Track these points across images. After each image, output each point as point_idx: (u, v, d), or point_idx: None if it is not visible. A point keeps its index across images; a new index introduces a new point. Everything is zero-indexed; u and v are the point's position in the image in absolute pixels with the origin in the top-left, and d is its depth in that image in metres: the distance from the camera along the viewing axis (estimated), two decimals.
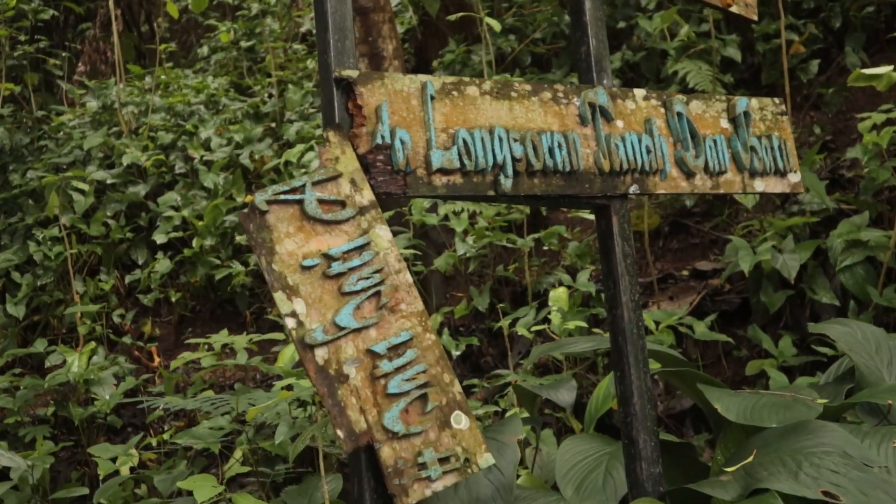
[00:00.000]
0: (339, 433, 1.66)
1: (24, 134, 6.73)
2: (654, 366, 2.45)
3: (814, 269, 3.46)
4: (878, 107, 3.70)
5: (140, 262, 5.61)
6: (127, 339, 5.00)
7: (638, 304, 2.08)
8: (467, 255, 4.05)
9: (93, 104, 6.84)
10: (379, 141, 1.76)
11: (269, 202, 1.74)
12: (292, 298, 1.68)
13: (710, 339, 3.41)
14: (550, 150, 1.95)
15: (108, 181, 5.91)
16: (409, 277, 1.77)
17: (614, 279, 2.07)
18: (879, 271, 3.32)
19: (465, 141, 1.85)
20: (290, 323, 1.67)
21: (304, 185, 1.74)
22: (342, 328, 1.69)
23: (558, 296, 3.59)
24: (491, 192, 1.88)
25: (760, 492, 1.80)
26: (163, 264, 5.32)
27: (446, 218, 4.31)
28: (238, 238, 5.34)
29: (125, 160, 5.95)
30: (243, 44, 7.80)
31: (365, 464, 1.69)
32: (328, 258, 1.70)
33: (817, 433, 1.92)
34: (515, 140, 1.91)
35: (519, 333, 3.53)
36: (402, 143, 1.78)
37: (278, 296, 1.68)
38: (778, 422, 2.05)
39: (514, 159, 1.89)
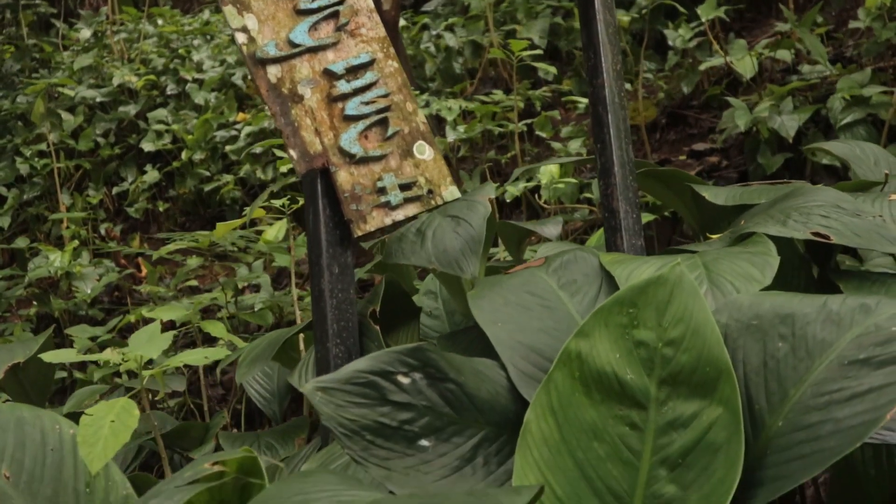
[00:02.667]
0: (293, 153, 1.55)
1: (16, 61, 6.63)
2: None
3: (814, 133, 3.34)
4: None
5: (129, 180, 5.51)
6: (112, 245, 4.89)
7: (620, 74, 1.97)
8: (458, 139, 3.93)
9: (86, 32, 6.75)
10: None
11: None
12: (243, 13, 1.57)
13: None
14: None
15: (98, 100, 5.81)
16: (370, 3, 1.65)
17: (594, 48, 1.95)
18: (881, 131, 3.20)
19: None
20: (240, 38, 1.56)
21: None
22: (297, 45, 1.58)
23: (549, 169, 3.47)
24: None
25: (747, 236, 1.68)
26: (151, 175, 5.21)
27: (438, 118, 4.20)
28: (228, 150, 5.23)
29: (115, 81, 5.85)
30: None
31: (321, 190, 1.58)
32: None
33: (808, 194, 1.80)
34: None
35: (508, 201, 3.41)
36: None
37: (228, 9, 1.57)
38: (768, 198, 1.93)
39: None
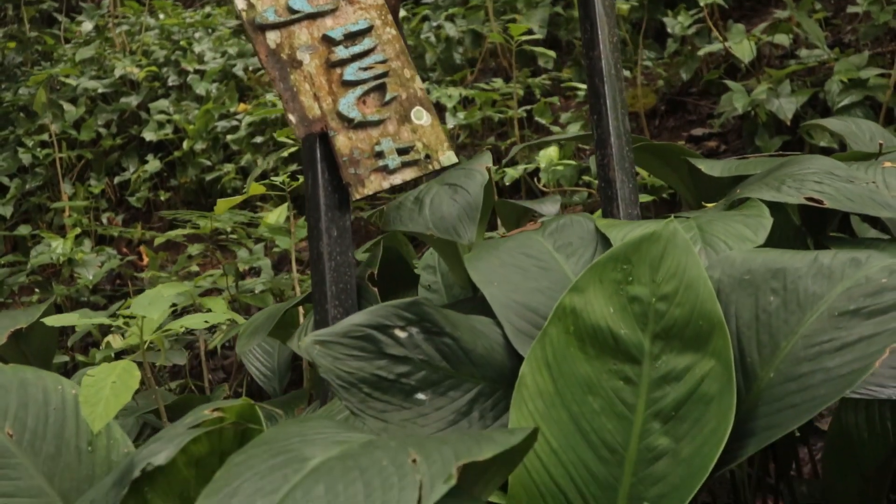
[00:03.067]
0: (292, 118, 1.56)
1: (17, 53, 6.66)
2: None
3: (812, 116, 3.35)
4: None
5: (131, 170, 5.54)
6: (114, 231, 4.91)
7: (616, 45, 1.98)
8: (458, 126, 3.95)
9: (87, 25, 6.77)
10: None
11: None
12: None
13: None
14: None
15: (100, 91, 5.83)
16: None
17: (591, 20, 1.97)
18: (878, 113, 3.21)
19: None
20: (239, 4, 1.58)
21: None
22: (295, 11, 1.60)
23: (548, 153, 3.49)
24: None
25: (741, 202, 1.70)
26: (153, 164, 5.23)
27: (438, 105, 4.21)
28: (230, 139, 5.25)
29: (117, 72, 5.87)
30: None
31: (320, 154, 1.60)
32: None
33: (802, 163, 1.82)
34: None
35: (507, 184, 3.43)
36: None
37: None
38: (763, 169, 1.94)
39: None
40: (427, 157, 1.61)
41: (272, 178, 2.59)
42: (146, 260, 5.21)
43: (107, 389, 1.52)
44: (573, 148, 3.56)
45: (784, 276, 1.32)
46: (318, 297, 1.55)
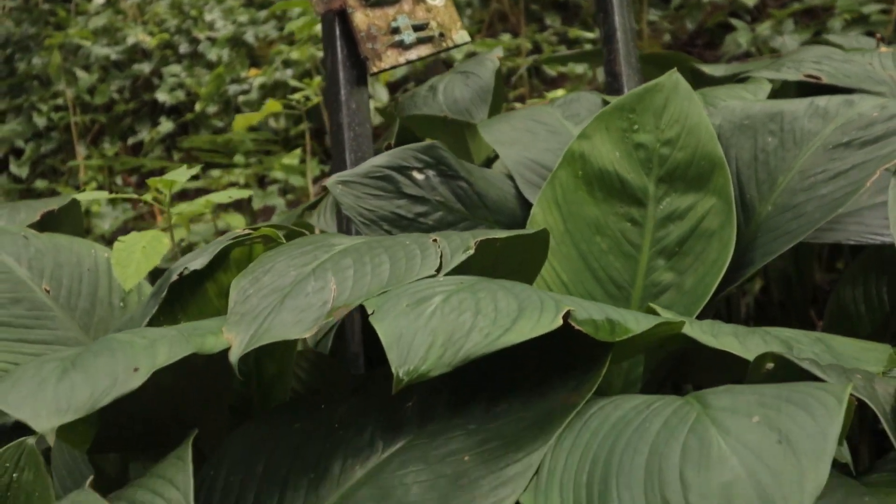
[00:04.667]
0: None
1: (30, 24, 6.75)
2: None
3: None
4: None
5: (144, 134, 5.63)
6: (129, 190, 5.01)
7: None
8: None
9: None
10: None
11: None
12: None
13: None
14: None
15: (113, 58, 5.92)
16: None
17: None
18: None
19: None
20: None
21: None
22: None
23: (556, 95, 3.55)
24: None
25: (743, 79, 1.77)
26: (165, 126, 5.32)
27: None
28: (241, 101, 5.33)
29: (129, 40, 5.97)
30: None
31: (339, 31, 1.67)
32: None
33: (800, 51, 1.89)
34: None
35: None
36: None
37: None
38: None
39: None
40: (441, 34, 1.69)
41: (289, 97, 2.67)
42: (159, 219, 5.30)
43: (138, 252, 1.60)
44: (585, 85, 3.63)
45: (781, 118, 1.39)
46: (336, 166, 1.63)
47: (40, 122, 5.40)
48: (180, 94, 5.58)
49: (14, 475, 1.07)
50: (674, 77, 1.42)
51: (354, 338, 1.53)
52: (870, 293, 1.78)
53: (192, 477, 0.75)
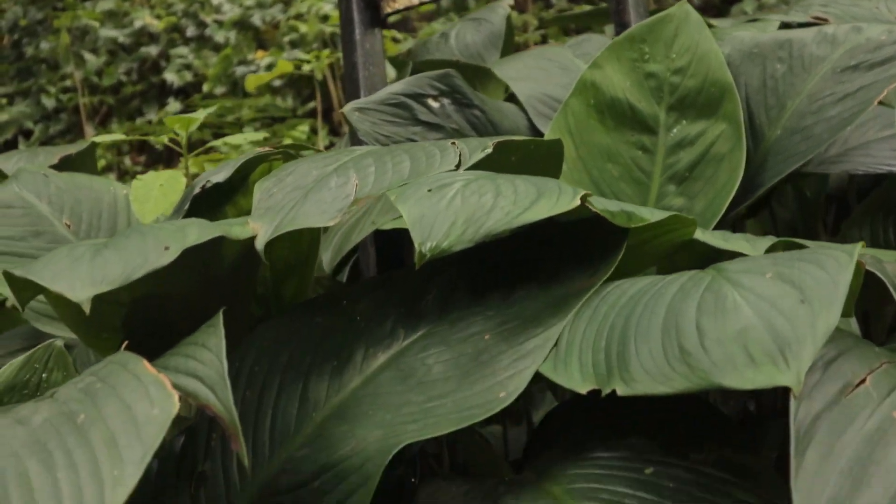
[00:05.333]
0: None
1: (38, 10, 6.79)
2: None
3: None
4: None
5: (152, 115, 5.66)
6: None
7: None
8: None
9: None
10: None
11: None
12: None
13: None
14: None
15: (120, 41, 5.95)
16: None
17: None
18: None
19: None
20: None
21: None
22: None
23: None
24: None
25: (752, 20, 1.79)
26: (173, 106, 5.36)
27: None
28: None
29: (136, 23, 6.00)
30: None
31: None
32: None
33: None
34: None
35: None
36: None
37: None
38: None
39: None
40: None
41: (299, 59, 2.69)
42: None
43: (155, 190, 1.62)
44: None
45: (790, 45, 1.41)
46: None
47: (49, 103, 5.44)
48: (188, 76, 5.61)
49: (43, 375, 1.10)
50: (684, 7, 1.44)
51: (370, 270, 1.56)
52: (876, 233, 1.80)
53: (223, 340, 0.77)
